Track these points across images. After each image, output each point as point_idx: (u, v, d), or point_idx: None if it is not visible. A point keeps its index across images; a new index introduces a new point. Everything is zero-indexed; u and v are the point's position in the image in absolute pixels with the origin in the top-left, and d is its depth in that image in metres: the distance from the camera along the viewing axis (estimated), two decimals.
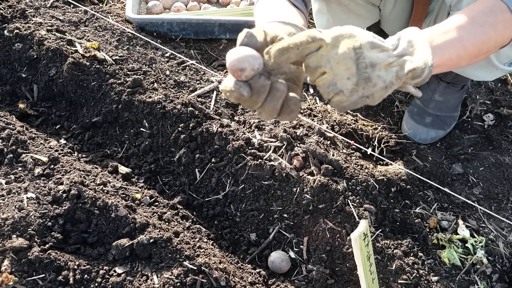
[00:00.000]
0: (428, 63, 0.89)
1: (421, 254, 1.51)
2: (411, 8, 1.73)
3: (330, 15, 1.86)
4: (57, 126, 1.82)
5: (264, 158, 1.56)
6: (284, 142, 1.60)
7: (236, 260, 1.47)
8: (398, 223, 1.58)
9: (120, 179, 1.60)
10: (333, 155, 1.59)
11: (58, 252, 1.27)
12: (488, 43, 1.09)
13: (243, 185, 1.56)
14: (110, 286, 1.23)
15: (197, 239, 1.43)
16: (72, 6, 2.17)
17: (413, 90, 0.95)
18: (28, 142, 1.56)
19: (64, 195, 1.37)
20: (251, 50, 0.83)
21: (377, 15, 1.84)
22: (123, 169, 1.64)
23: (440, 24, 1.04)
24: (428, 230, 1.58)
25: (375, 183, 1.57)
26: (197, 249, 1.36)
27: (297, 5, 1.31)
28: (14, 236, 1.24)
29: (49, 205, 1.35)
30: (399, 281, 1.38)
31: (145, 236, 1.31)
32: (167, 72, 1.88)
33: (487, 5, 1.10)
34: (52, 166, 1.50)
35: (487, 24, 1.06)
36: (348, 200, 1.48)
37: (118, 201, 1.41)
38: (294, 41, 0.85)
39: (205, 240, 1.47)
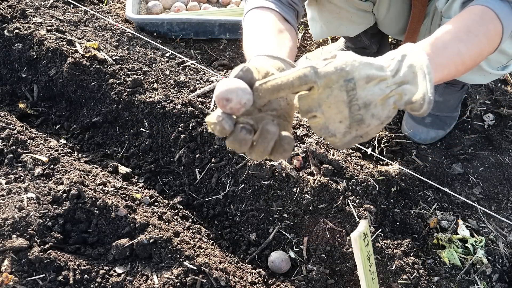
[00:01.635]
0: (427, 97, 0.83)
1: (421, 254, 1.51)
2: (408, 10, 1.73)
3: (323, 23, 1.87)
4: (57, 126, 1.82)
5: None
6: None
7: (236, 260, 1.47)
8: (398, 223, 1.58)
9: (120, 179, 1.60)
10: (333, 155, 1.59)
11: (58, 252, 1.27)
12: (482, 54, 1.11)
13: (243, 185, 1.56)
14: (110, 286, 1.23)
15: (197, 239, 1.43)
16: (72, 6, 2.17)
17: (416, 113, 0.90)
18: (28, 142, 1.56)
19: (64, 195, 1.37)
20: (243, 83, 0.80)
21: (372, 19, 1.84)
22: (123, 169, 1.64)
23: (439, 36, 1.03)
24: (428, 230, 1.58)
25: (375, 183, 1.57)
26: (197, 249, 1.36)
27: (288, 18, 1.28)
28: (14, 236, 1.24)
29: (49, 205, 1.35)
30: (399, 281, 1.38)
31: (145, 236, 1.31)
32: (167, 72, 1.88)
33: (476, 12, 1.11)
34: (52, 166, 1.50)
35: (480, 34, 1.08)
36: (348, 200, 1.48)
37: (118, 201, 1.41)
38: (286, 80, 0.81)
39: (205, 240, 1.47)
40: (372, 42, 2.11)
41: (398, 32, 1.86)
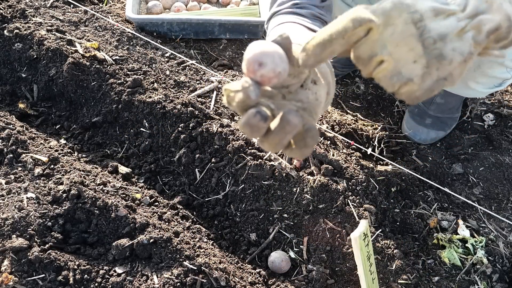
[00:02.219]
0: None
1: (421, 254, 1.51)
2: None
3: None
4: (57, 126, 1.82)
5: (264, 158, 1.56)
6: None
7: (236, 260, 1.47)
8: (398, 223, 1.58)
9: (120, 179, 1.60)
10: (333, 155, 1.59)
11: (58, 252, 1.27)
12: None
13: (243, 185, 1.56)
14: (110, 286, 1.23)
15: (197, 239, 1.43)
16: (72, 6, 2.17)
17: (497, 53, 0.75)
18: (28, 142, 1.56)
19: (64, 195, 1.37)
20: (281, 49, 0.66)
21: None
22: (123, 169, 1.64)
23: None
24: (428, 230, 1.58)
25: (375, 183, 1.57)
26: (197, 249, 1.36)
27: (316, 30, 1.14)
28: (14, 236, 1.24)
29: (49, 205, 1.35)
30: (399, 281, 1.38)
31: (145, 236, 1.31)
32: (167, 72, 1.88)
33: None
34: (52, 166, 1.50)
35: None
36: (348, 200, 1.48)
37: (118, 201, 1.41)
38: (337, 28, 0.67)
39: (205, 240, 1.46)
40: None
41: None
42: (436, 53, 0.68)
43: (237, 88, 0.64)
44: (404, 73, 0.68)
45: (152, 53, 1.97)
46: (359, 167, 1.62)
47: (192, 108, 1.68)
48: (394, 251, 1.42)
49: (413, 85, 0.68)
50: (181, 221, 1.50)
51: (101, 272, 1.26)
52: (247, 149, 1.58)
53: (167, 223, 1.44)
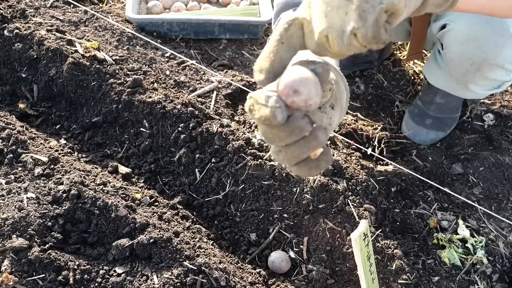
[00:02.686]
0: None
1: (421, 254, 1.51)
2: (408, 22, 1.72)
3: None
4: (57, 126, 1.82)
5: (264, 158, 1.56)
6: None
7: (236, 260, 1.47)
8: (398, 223, 1.58)
9: (120, 179, 1.60)
10: (333, 155, 1.59)
11: (58, 252, 1.27)
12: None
13: (243, 185, 1.56)
14: (110, 286, 1.23)
15: (197, 239, 1.43)
16: (72, 6, 2.17)
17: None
18: (28, 142, 1.56)
19: (64, 195, 1.37)
20: (318, 80, 0.65)
21: None
22: (123, 169, 1.64)
23: None
24: (428, 230, 1.58)
25: (375, 183, 1.57)
26: (197, 249, 1.36)
27: None
28: (14, 236, 1.24)
29: (49, 205, 1.35)
30: (399, 281, 1.38)
31: (145, 236, 1.31)
32: (167, 72, 1.88)
33: None
34: (52, 166, 1.50)
35: None
36: (348, 200, 1.48)
37: (118, 201, 1.41)
38: (274, 38, 0.69)
39: (205, 240, 1.46)
40: (372, 50, 2.11)
41: (403, 38, 1.86)
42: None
43: (264, 103, 0.64)
44: (346, 29, 0.65)
45: (152, 53, 1.97)
46: (359, 167, 1.62)
47: (192, 108, 1.68)
48: (394, 251, 1.42)
49: (360, 30, 0.65)
50: (181, 221, 1.50)
51: (101, 272, 1.26)
52: (247, 149, 1.58)
53: (167, 223, 1.44)
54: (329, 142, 1.68)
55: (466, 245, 1.54)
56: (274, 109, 0.63)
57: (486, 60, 1.46)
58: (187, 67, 1.94)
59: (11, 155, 1.49)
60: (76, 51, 1.85)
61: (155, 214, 1.47)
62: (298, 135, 0.65)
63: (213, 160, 1.62)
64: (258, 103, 0.64)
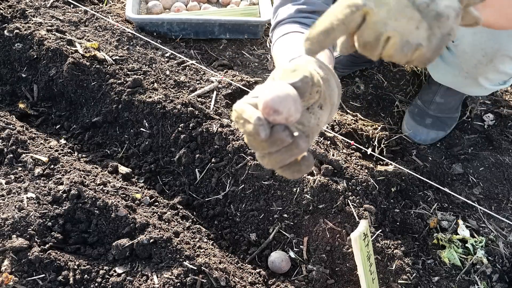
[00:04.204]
0: None
1: (421, 254, 1.51)
2: None
3: None
4: (57, 126, 1.82)
5: None
6: None
7: (236, 260, 1.47)
8: (398, 223, 1.58)
9: (120, 179, 1.60)
10: (333, 155, 1.59)
11: (58, 252, 1.27)
12: None
13: (243, 185, 1.56)
14: (110, 286, 1.23)
15: (197, 239, 1.43)
16: (72, 6, 2.17)
17: (476, 13, 0.80)
18: (28, 142, 1.56)
19: (64, 195, 1.37)
20: (298, 98, 0.68)
21: None
22: (123, 169, 1.64)
23: None
24: (428, 230, 1.58)
25: (375, 183, 1.57)
26: (197, 249, 1.36)
27: None
28: (14, 236, 1.24)
29: (49, 205, 1.35)
30: (399, 281, 1.38)
31: (145, 236, 1.31)
32: (167, 72, 1.88)
33: None
34: (52, 166, 1.50)
35: None
36: (348, 200, 1.48)
37: (118, 201, 1.41)
38: (336, 16, 0.72)
39: (205, 240, 1.47)
40: None
41: None
42: (433, 14, 0.72)
43: (247, 118, 0.67)
44: (411, 41, 0.72)
45: (152, 53, 1.97)
46: (359, 167, 1.62)
47: (192, 108, 1.68)
48: (394, 251, 1.42)
49: (423, 49, 0.72)
50: (181, 221, 1.50)
51: (101, 272, 1.26)
52: (247, 149, 1.58)
53: (167, 223, 1.44)
54: (329, 142, 1.68)
55: (466, 245, 1.54)
56: (257, 127, 0.66)
57: (499, 50, 1.46)
58: (187, 67, 1.94)
59: (11, 155, 1.49)
60: (76, 51, 1.85)
61: (155, 214, 1.47)
62: (279, 145, 0.68)
63: (213, 160, 1.62)
64: (242, 117, 0.68)
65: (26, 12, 2.02)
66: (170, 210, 1.53)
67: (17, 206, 1.31)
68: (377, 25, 0.72)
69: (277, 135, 0.67)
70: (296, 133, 0.70)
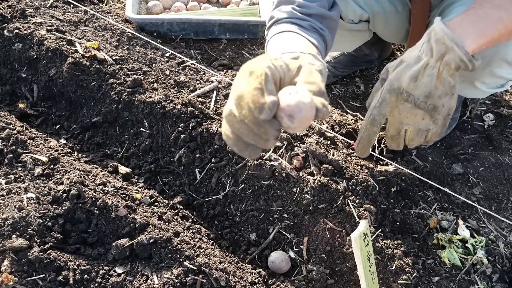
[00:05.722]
0: (467, 57, 1.01)
1: (421, 254, 1.51)
2: (408, 22, 1.72)
3: None
4: (57, 126, 1.82)
5: (264, 158, 1.56)
6: (284, 142, 1.60)
7: (236, 260, 1.47)
8: (398, 223, 1.58)
9: (120, 179, 1.60)
10: (333, 155, 1.59)
11: (58, 252, 1.27)
12: None
13: (243, 185, 1.56)
14: (110, 286, 1.23)
15: (197, 239, 1.43)
16: (72, 6, 2.17)
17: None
18: (28, 142, 1.56)
19: (64, 195, 1.37)
20: (312, 118, 0.75)
21: (368, 35, 1.84)
22: (123, 169, 1.64)
23: (478, 5, 1.13)
24: (428, 230, 1.58)
25: (375, 183, 1.57)
26: (197, 249, 1.36)
27: (314, 42, 1.19)
28: (14, 236, 1.24)
29: (49, 205, 1.35)
30: (399, 281, 1.38)
31: (145, 236, 1.31)
32: (167, 72, 1.88)
33: None
34: (52, 166, 1.50)
35: None
36: (348, 200, 1.48)
37: (118, 201, 1.41)
38: (368, 127, 1.16)
39: (205, 240, 1.46)
40: (372, 50, 2.11)
41: (401, 40, 1.86)
42: (431, 107, 1.02)
43: (265, 90, 0.71)
44: (422, 128, 1.07)
45: (152, 53, 1.97)
46: (359, 167, 1.62)
47: (192, 108, 1.68)
48: (394, 251, 1.42)
49: (433, 129, 1.06)
50: (181, 221, 1.50)
51: (101, 272, 1.25)
52: None
53: (167, 223, 1.44)
54: (329, 142, 1.68)
55: (466, 245, 1.54)
56: (269, 106, 0.70)
57: (497, 54, 1.46)
58: (187, 67, 1.94)
59: (11, 155, 1.49)
60: (76, 51, 1.85)
61: (155, 214, 1.47)
62: (261, 133, 0.73)
63: (213, 160, 1.62)
64: (261, 85, 0.71)
65: (26, 12, 2.02)
66: (170, 210, 1.53)
67: (17, 206, 1.31)
68: (396, 124, 1.08)
69: (269, 126, 0.72)
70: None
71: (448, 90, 1.02)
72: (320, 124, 1.77)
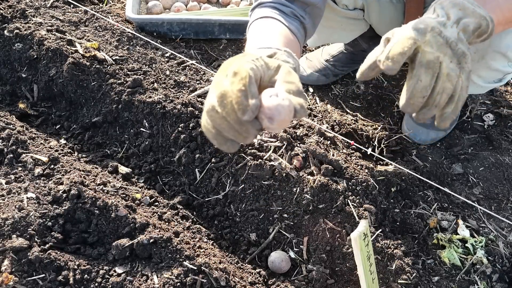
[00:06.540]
0: (488, 17, 0.95)
1: (421, 254, 1.51)
2: (402, 15, 1.72)
3: (315, 33, 1.86)
4: (57, 126, 1.82)
5: (264, 158, 1.56)
6: (284, 142, 1.60)
7: (236, 260, 1.47)
8: (398, 223, 1.58)
9: (120, 179, 1.60)
10: (333, 155, 1.59)
11: (58, 252, 1.27)
12: None
13: (243, 185, 1.56)
14: (110, 286, 1.23)
15: (197, 239, 1.43)
16: (72, 6, 2.17)
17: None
18: (28, 142, 1.56)
19: (64, 195, 1.37)
20: (291, 118, 0.78)
21: (365, 26, 1.83)
22: (123, 169, 1.64)
23: None
24: (428, 230, 1.58)
25: (375, 183, 1.57)
26: (197, 249, 1.36)
27: (293, 30, 1.22)
28: (14, 236, 1.24)
29: (49, 205, 1.35)
30: (399, 281, 1.38)
31: (145, 236, 1.31)
32: (167, 72, 1.88)
33: None
34: (52, 166, 1.50)
35: None
36: (348, 200, 1.48)
37: (118, 201, 1.41)
38: (406, 45, 0.90)
39: (205, 240, 1.47)
40: (370, 45, 2.11)
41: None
42: (461, 51, 0.90)
43: (249, 92, 0.74)
44: (453, 74, 0.90)
45: (152, 53, 1.97)
46: (359, 167, 1.62)
47: (192, 108, 1.69)
48: (394, 251, 1.42)
49: (457, 94, 0.90)
50: (181, 221, 1.50)
51: (101, 272, 1.26)
52: (247, 149, 1.58)
53: (167, 223, 1.44)
54: (329, 142, 1.68)
55: (466, 245, 1.54)
56: (251, 108, 0.74)
57: (490, 46, 1.47)
58: (187, 67, 1.94)
59: (11, 155, 1.49)
60: (76, 51, 1.85)
61: (155, 214, 1.47)
62: (240, 133, 0.77)
63: (213, 160, 1.62)
64: (244, 87, 0.75)
65: (26, 12, 2.02)
66: (170, 210, 1.53)
67: (17, 206, 1.31)
68: (430, 52, 0.92)
69: (251, 126, 0.76)
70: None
71: (466, 49, 0.94)
72: (320, 124, 1.77)
